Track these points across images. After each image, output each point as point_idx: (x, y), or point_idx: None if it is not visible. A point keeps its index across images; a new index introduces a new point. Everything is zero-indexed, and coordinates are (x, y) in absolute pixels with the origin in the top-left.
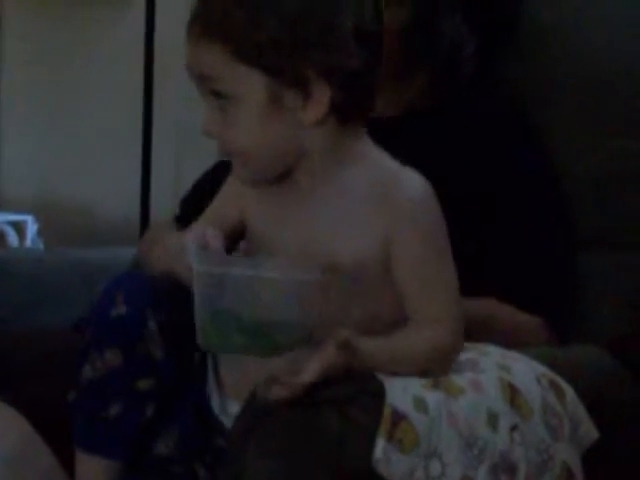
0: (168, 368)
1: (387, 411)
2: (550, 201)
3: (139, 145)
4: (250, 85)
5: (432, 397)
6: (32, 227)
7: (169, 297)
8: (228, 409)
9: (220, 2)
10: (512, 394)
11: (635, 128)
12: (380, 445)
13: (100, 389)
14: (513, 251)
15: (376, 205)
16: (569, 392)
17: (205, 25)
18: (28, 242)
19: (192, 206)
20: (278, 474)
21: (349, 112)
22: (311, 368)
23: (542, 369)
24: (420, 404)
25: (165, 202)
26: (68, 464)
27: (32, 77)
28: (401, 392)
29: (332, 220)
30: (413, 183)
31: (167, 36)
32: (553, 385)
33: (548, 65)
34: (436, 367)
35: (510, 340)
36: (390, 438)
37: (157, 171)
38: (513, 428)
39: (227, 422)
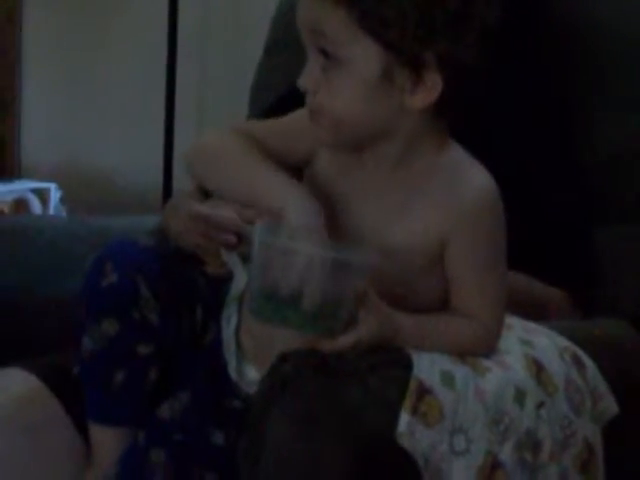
0: (165, 331)
1: (413, 384)
2: (570, 176)
3: (162, 113)
4: (366, 55)
5: (460, 371)
6: (55, 195)
7: (161, 261)
8: (246, 374)
9: None
10: (537, 370)
11: None
12: (404, 419)
13: (102, 359)
14: (534, 226)
15: (440, 198)
16: (590, 367)
17: None
18: (51, 210)
19: None
20: (298, 441)
21: (448, 107)
22: (347, 338)
23: (565, 343)
24: (447, 378)
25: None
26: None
27: (54, 44)
28: (428, 365)
29: (392, 204)
30: (481, 183)
31: (192, 3)
32: (575, 360)
33: (570, 37)
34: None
35: (535, 313)
36: (414, 412)
37: (180, 139)
38: (539, 405)
39: (244, 386)
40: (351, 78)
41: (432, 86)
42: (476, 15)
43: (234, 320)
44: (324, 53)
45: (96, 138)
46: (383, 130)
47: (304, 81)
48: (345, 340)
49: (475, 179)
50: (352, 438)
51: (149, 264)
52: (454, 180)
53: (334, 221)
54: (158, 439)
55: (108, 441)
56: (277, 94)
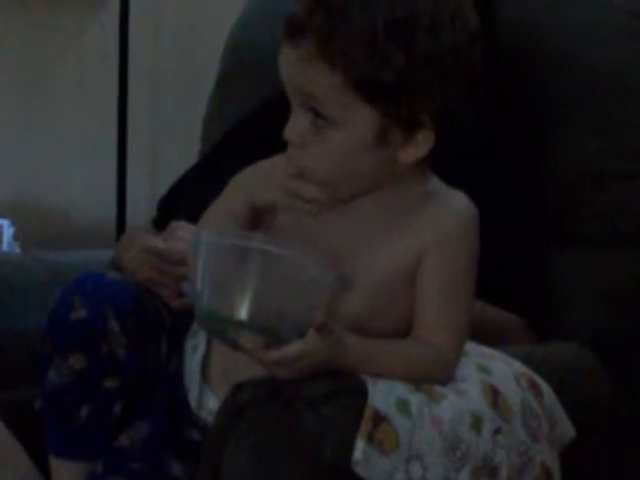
0: (132, 366)
1: (368, 412)
2: (523, 199)
3: (114, 148)
4: (360, 118)
5: (415, 399)
6: (8, 231)
7: (129, 295)
8: (207, 403)
9: (348, 26)
10: (494, 396)
11: (611, 127)
12: (360, 447)
13: (67, 394)
14: (487, 250)
15: (424, 221)
16: (547, 391)
17: (326, 47)
18: (4, 246)
19: (169, 209)
20: (255, 471)
21: (433, 152)
22: (291, 348)
23: (521, 368)
24: (403, 406)
25: (141, 205)
26: (46, 465)
27: (4, 79)
28: (384, 393)
29: (376, 226)
30: (462, 202)
31: (142, 38)
32: (532, 385)
33: (523, 65)
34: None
35: (491, 339)
36: (370, 439)
37: (133, 174)
38: (496, 431)
39: (204, 416)
40: (342, 138)
41: (424, 141)
42: (467, 70)
43: (202, 349)
44: (315, 113)
45: (49, 173)
46: (371, 180)
47: (290, 134)
48: (289, 350)
49: (457, 199)
50: (308, 467)
51: (118, 298)
52: (438, 204)
53: (316, 240)
54: (117, 468)
55: (69, 475)
56: (231, 124)
